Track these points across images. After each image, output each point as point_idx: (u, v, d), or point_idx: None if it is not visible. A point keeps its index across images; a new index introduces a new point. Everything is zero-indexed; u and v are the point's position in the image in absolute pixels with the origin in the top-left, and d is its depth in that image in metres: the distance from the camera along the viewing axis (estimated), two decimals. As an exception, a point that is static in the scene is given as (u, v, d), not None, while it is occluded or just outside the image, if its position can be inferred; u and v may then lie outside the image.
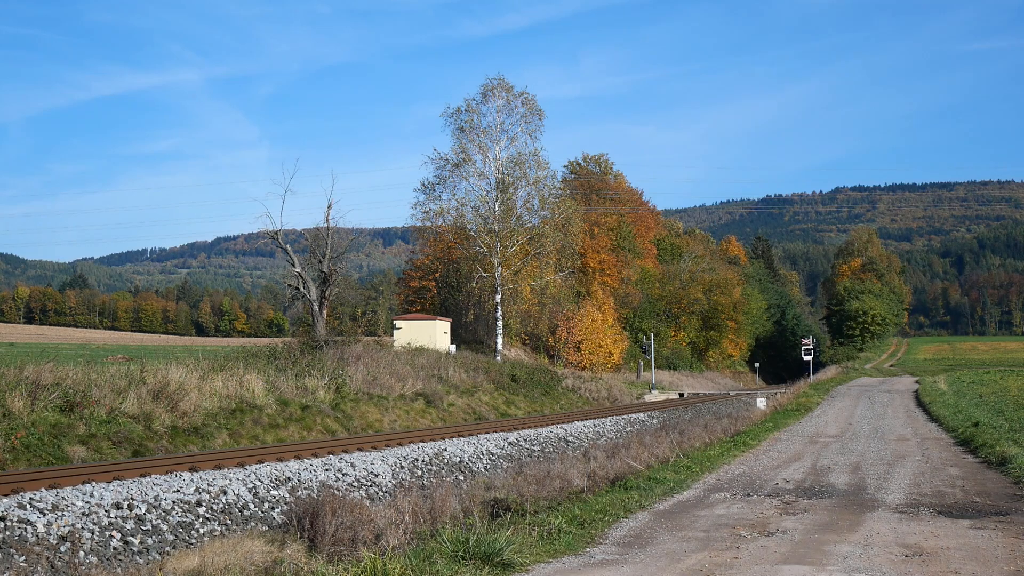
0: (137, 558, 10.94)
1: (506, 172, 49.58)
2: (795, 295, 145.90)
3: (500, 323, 48.99)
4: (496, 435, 23.70)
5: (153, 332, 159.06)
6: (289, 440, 21.75)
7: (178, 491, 12.90)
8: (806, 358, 75.69)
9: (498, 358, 46.47)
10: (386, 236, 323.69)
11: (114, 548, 10.93)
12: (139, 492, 12.50)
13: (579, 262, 59.32)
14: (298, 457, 17.41)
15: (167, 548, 11.33)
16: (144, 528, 11.53)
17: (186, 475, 14.24)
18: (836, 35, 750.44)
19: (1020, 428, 22.18)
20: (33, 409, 16.87)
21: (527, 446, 23.29)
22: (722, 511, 12.12)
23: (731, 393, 61.03)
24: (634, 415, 34.23)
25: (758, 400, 40.52)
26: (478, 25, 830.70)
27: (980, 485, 14.39)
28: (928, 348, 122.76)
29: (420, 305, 59.18)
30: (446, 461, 19.29)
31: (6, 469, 14.70)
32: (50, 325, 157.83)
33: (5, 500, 11.47)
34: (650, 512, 12.11)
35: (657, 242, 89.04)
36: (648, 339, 61.22)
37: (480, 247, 49.34)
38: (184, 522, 12.06)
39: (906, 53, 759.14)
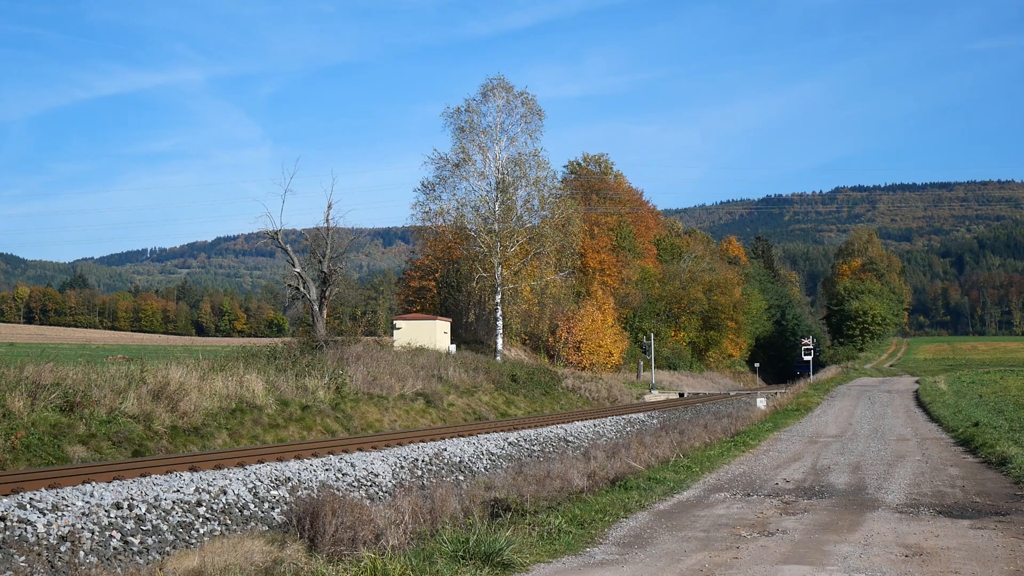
0: (137, 558, 10.94)
1: (506, 172, 49.61)
2: (795, 295, 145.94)
3: (500, 323, 48.99)
4: (496, 435, 23.69)
5: (153, 332, 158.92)
6: (289, 440, 21.75)
7: (178, 491, 12.90)
8: (806, 358, 75.75)
9: (498, 358, 46.47)
10: (386, 236, 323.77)
11: (114, 548, 10.93)
12: (139, 492, 12.50)
13: (579, 262, 59.34)
14: (298, 457, 17.41)
15: (167, 548, 11.33)
16: (144, 528, 11.52)
17: (186, 475, 14.24)
18: (838, 35, 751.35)
19: (1020, 428, 22.18)
20: (33, 409, 16.87)
21: (527, 446, 23.28)
22: (722, 511, 12.12)
23: (731, 393, 61.01)
24: (634, 415, 34.22)
25: (758, 400, 40.53)
26: (482, 24, 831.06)
27: (980, 485, 14.39)
28: (928, 348, 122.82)
29: (420, 305, 59.17)
30: (446, 461, 19.29)
31: (6, 469, 14.70)
32: (50, 325, 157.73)
33: (5, 500, 11.46)
34: (650, 512, 12.11)
35: (657, 242, 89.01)
36: (648, 339, 61.21)
37: (480, 247, 49.35)
38: (184, 522, 12.05)
39: (908, 53, 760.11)
